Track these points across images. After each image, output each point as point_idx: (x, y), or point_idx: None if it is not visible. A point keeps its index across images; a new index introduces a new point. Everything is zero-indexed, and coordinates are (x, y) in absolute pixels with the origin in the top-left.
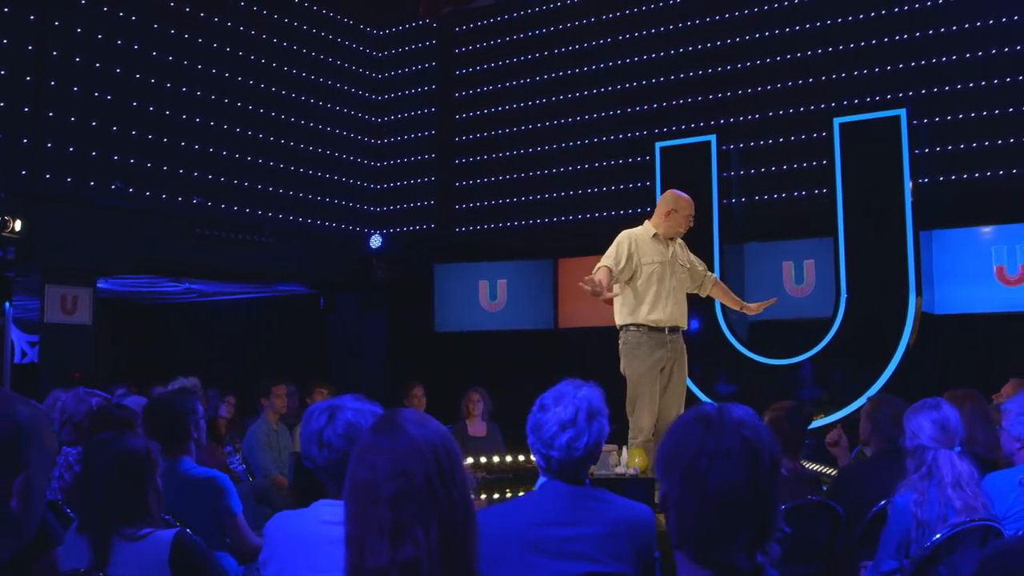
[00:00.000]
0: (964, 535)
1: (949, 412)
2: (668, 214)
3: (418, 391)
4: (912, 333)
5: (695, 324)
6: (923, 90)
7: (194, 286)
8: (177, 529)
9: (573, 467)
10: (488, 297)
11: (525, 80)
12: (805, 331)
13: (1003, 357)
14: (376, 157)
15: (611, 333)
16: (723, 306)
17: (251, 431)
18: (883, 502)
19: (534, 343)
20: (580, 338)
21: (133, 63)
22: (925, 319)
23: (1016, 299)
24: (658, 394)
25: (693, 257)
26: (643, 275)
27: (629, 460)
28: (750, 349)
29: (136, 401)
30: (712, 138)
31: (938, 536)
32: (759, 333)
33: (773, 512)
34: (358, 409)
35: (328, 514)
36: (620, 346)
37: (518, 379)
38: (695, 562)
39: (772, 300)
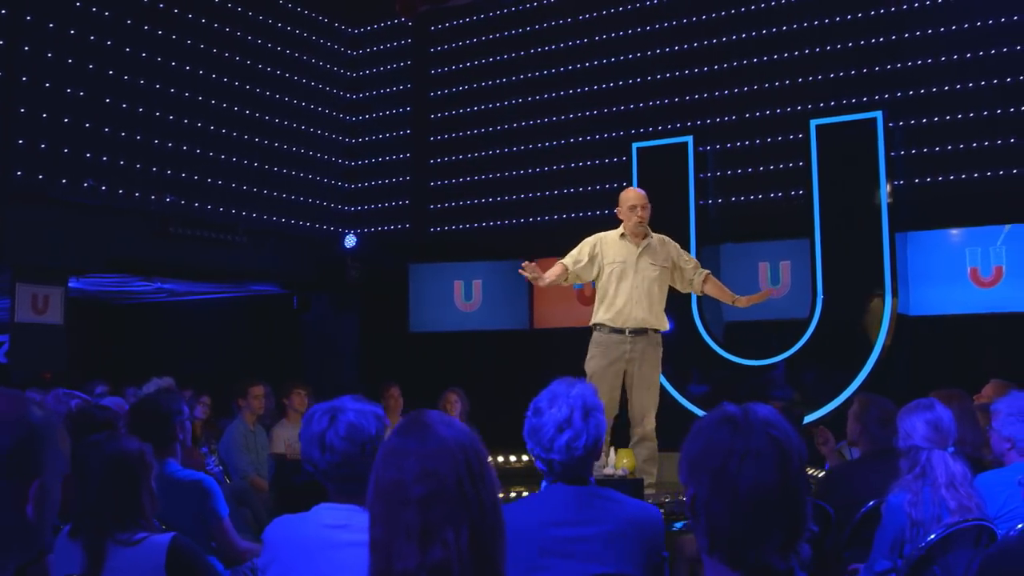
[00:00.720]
0: (958, 535)
1: (942, 412)
2: (619, 212)
3: (395, 391)
4: (888, 334)
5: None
6: (899, 93)
7: (165, 285)
8: (173, 534)
9: (576, 467)
10: (463, 297)
11: (501, 80)
12: (781, 332)
13: (977, 358)
14: (350, 156)
15: (586, 334)
16: (699, 306)
17: (228, 432)
18: (872, 502)
19: (509, 344)
20: (555, 339)
21: (106, 59)
22: (899, 320)
23: (990, 300)
24: (617, 394)
25: (683, 255)
26: (604, 275)
27: (617, 461)
28: (726, 349)
29: (115, 402)
30: (689, 139)
31: (932, 536)
32: (735, 333)
33: (804, 512)
34: (359, 410)
35: (331, 518)
36: None
37: (493, 379)
38: (728, 566)
39: (765, 293)
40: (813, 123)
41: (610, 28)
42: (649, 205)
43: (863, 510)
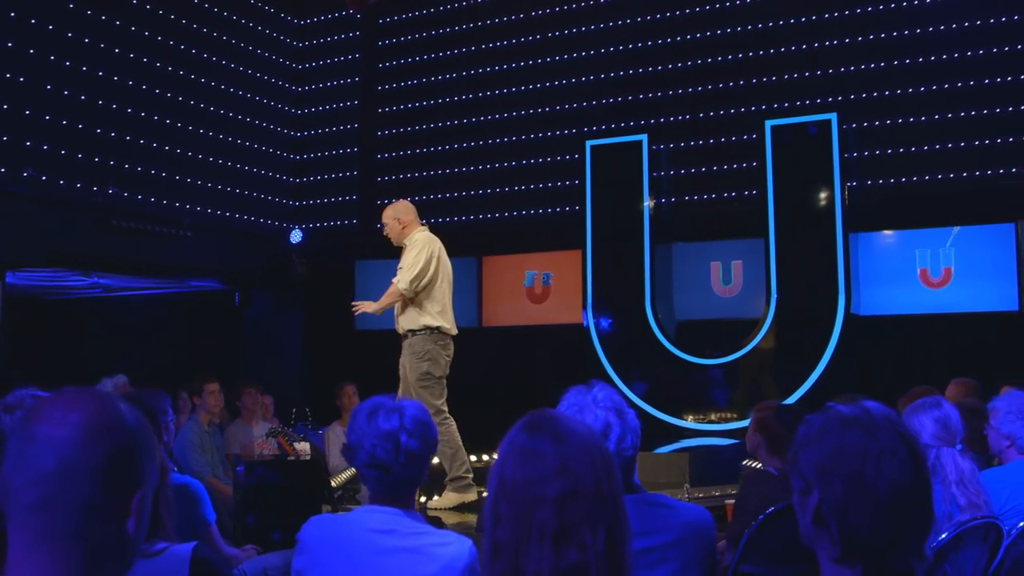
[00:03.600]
0: (968, 533)
1: (950, 411)
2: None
3: (349, 389)
4: (840, 334)
5: (624, 320)
6: (852, 95)
7: (101, 280)
8: (194, 543)
9: (628, 471)
10: None
11: (451, 75)
12: (732, 331)
13: (926, 358)
14: (297, 150)
15: (535, 332)
16: (653, 303)
17: (182, 432)
18: None
19: (457, 341)
20: (504, 337)
21: (47, 45)
22: (849, 320)
23: (939, 301)
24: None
25: (404, 261)
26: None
27: None
28: (678, 347)
29: None
30: (643, 137)
31: (944, 535)
32: (687, 332)
33: (933, 511)
34: (418, 405)
35: (376, 522)
36: None
37: None
38: (861, 574)
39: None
40: (768, 124)
41: (565, 25)
42: (387, 222)
43: None
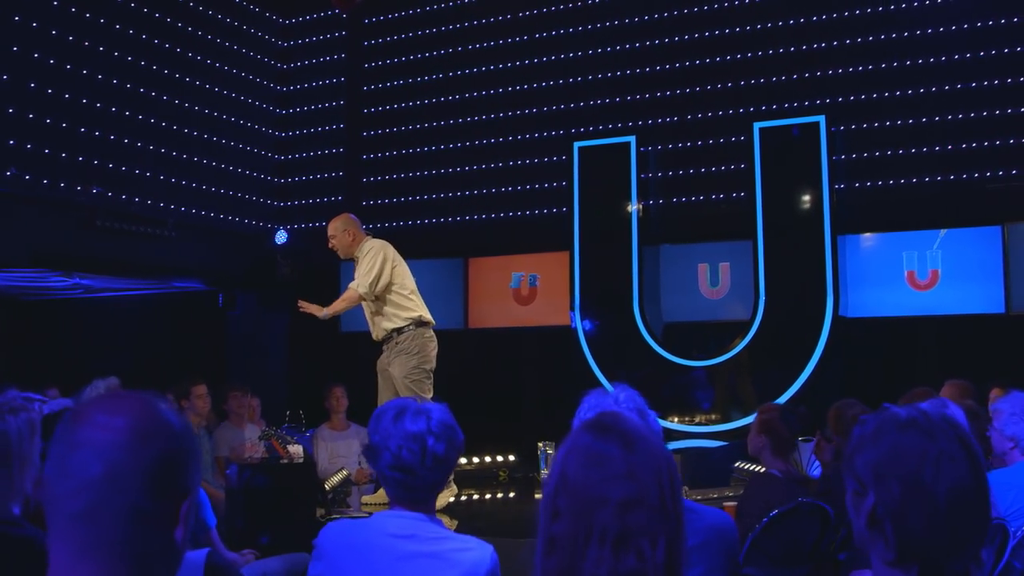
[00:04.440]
0: None
1: (955, 411)
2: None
3: (338, 391)
4: (829, 336)
5: (612, 322)
6: (840, 97)
7: (83, 281)
8: (207, 549)
9: None
10: None
11: (438, 75)
12: (719, 333)
13: (912, 360)
14: (282, 150)
15: (521, 334)
16: (641, 305)
17: None
18: None
19: (444, 343)
20: (490, 338)
21: (31, 42)
22: (837, 322)
23: (926, 303)
24: (382, 394)
25: (361, 267)
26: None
27: None
28: (666, 349)
29: (62, 404)
30: (632, 139)
31: None
32: (674, 334)
33: (990, 516)
34: (443, 409)
35: (396, 527)
36: None
37: None
38: None
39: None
40: (756, 126)
41: (552, 25)
42: (334, 235)
43: None
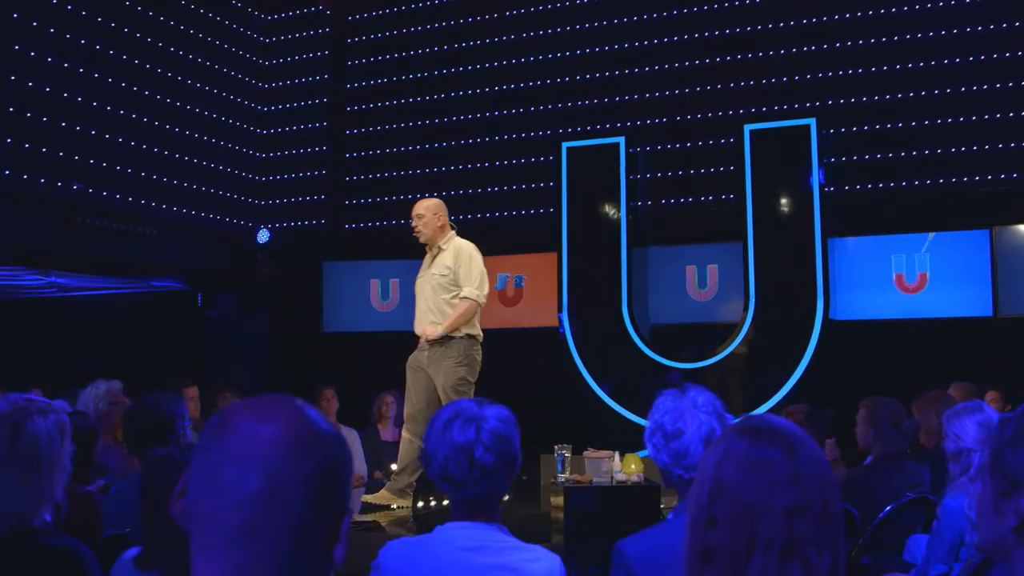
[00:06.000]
0: None
1: (992, 414)
2: None
3: (328, 393)
4: (819, 339)
5: (600, 323)
6: (829, 100)
7: (59, 280)
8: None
9: None
10: (380, 296)
11: (423, 74)
12: (707, 335)
13: (901, 363)
14: (264, 148)
15: (507, 335)
16: (630, 306)
17: None
18: (889, 507)
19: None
20: None
21: (11, 35)
22: (826, 325)
23: (914, 306)
24: (412, 393)
25: (467, 274)
26: None
27: (625, 466)
28: (654, 351)
29: (60, 405)
30: (620, 140)
31: None
32: (661, 335)
33: None
34: (500, 416)
35: (464, 539)
36: None
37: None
38: None
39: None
40: (747, 128)
41: (541, 25)
42: (424, 215)
43: (881, 515)
